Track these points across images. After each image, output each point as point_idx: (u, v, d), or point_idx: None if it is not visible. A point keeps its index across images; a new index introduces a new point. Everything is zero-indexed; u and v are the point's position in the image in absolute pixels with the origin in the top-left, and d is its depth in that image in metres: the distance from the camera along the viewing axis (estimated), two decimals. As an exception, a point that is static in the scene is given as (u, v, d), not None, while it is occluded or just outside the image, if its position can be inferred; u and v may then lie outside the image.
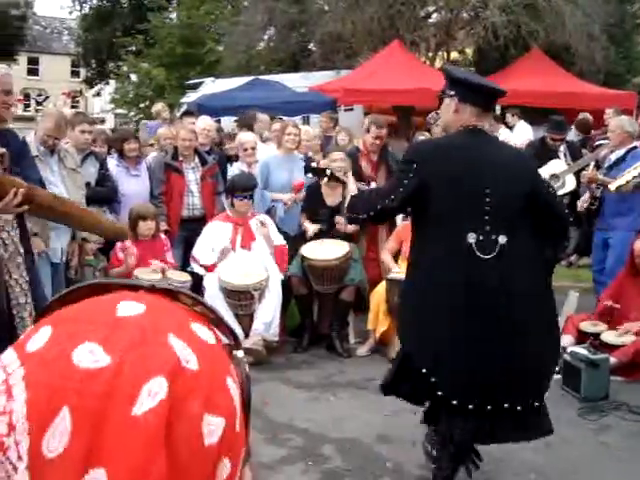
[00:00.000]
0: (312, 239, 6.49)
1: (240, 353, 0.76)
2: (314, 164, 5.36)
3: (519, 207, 3.36)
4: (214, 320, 0.76)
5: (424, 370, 3.32)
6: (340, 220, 6.43)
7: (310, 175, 5.35)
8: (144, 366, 0.64)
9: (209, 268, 6.23)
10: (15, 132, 4.69)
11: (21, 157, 4.33)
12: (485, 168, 3.35)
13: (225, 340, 0.75)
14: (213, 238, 6.28)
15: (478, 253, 3.26)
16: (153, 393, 0.63)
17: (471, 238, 3.27)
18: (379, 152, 7.02)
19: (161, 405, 0.63)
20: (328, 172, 4.62)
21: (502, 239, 3.29)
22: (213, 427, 0.66)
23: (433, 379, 3.30)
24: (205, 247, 6.29)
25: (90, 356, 0.64)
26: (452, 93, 3.52)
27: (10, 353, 0.67)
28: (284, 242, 6.51)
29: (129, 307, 0.69)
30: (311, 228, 6.54)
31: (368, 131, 7.11)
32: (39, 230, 5.09)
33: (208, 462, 0.66)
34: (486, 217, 3.30)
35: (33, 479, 0.61)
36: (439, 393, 3.31)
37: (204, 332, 0.72)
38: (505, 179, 3.36)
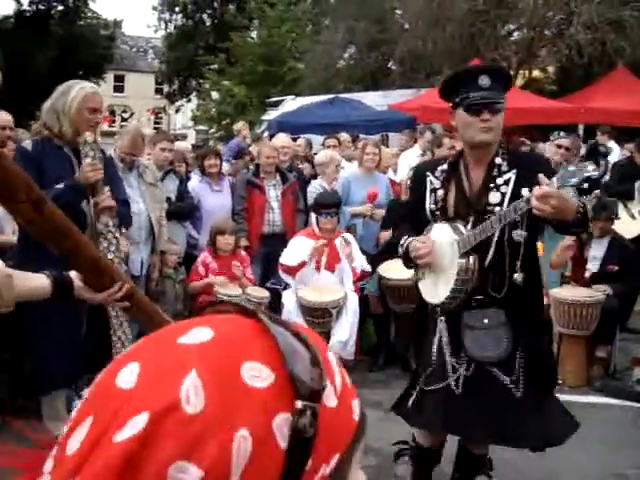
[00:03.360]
0: (390, 257, 6.46)
1: (300, 404, 0.63)
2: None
3: None
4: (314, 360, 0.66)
5: None
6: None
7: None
8: (144, 393, 0.63)
9: (297, 268, 6.24)
10: (102, 150, 4.84)
11: (108, 177, 4.47)
12: None
13: (302, 380, 0.64)
14: (299, 251, 6.28)
15: None
16: (135, 424, 0.61)
17: None
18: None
19: (132, 439, 0.61)
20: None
21: None
22: (183, 476, 0.60)
23: None
24: (293, 254, 6.30)
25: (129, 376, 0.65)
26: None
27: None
28: (367, 266, 6.42)
29: (194, 334, 0.67)
30: (385, 235, 6.48)
31: (439, 146, 7.08)
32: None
33: None
34: None
35: None
36: None
37: (255, 371, 0.64)
38: None
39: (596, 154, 3.07)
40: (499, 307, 3.23)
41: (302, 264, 6.22)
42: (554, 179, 2.79)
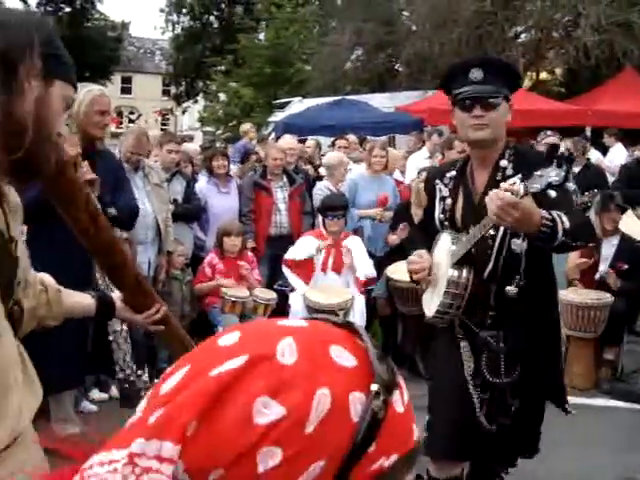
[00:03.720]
0: (398, 259, 6.45)
1: (375, 387, 0.71)
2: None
3: None
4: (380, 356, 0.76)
5: None
6: None
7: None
8: (244, 346, 0.72)
9: (302, 264, 6.24)
10: (112, 153, 4.86)
11: (118, 181, 4.49)
12: None
13: (381, 372, 0.73)
14: (306, 250, 6.28)
15: None
16: (233, 363, 0.70)
17: None
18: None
19: (229, 372, 0.69)
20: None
21: None
22: (267, 411, 0.68)
23: None
24: (299, 251, 6.31)
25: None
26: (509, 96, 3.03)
27: None
28: (372, 272, 6.41)
29: (293, 321, 0.79)
30: (393, 238, 6.47)
31: (450, 148, 7.08)
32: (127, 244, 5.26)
33: (246, 436, 0.68)
34: None
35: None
36: None
37: (342, 353, 0.73)
38: None
39: (558, 158, 2.66)
40: (504, 324, 2.96)
41: (308, 260, 6.21)
42: (520, 185, 2.52)
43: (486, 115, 2.88)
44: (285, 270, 6.36)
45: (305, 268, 6.26)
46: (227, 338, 0.74)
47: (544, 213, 2.65)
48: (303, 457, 0.68)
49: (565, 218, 2.67)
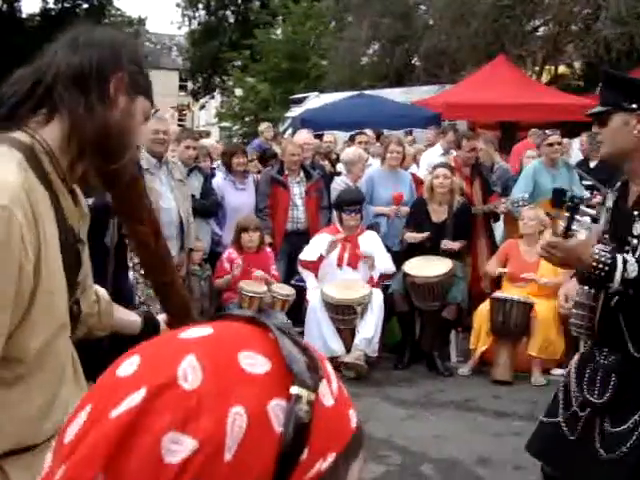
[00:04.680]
0: (415, 255, 6.43)
1: (296, 390, 0.64)
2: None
3: None
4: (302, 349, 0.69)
5: None
6: (448, 244, 6.35)
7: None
8: (142, 376, 0.65)
9: (316, 264, 6.25)
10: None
11: None
12: None
13: (298, 370, 0.66)
14: (321, 248, 6.30)
15: None
16: (132, 400, 0.63)
17: None
18: (471, 166, 6.95)
19: (129, 412, 0.63)
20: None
21: None
22: (177, 447, 0.61)
23: None
24: (313, 251, 6.32)
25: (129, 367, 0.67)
26: (635, 107, 2.69)
27: None
28: (391, 268, 6.42)
29: (195, 331, 0.70)
30: (417, 237, 6.45)
31: (459, 147, 7.06)
32: None
33: (158, 477, 0.61)
34: None
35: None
36: None
37: (253, 359, 0.66)
38: None
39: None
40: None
41: (320, 258, 6.23)
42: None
43: (601, 131, 2.81)
44: (301, 271, 6.37)
45: (315, 263, 6.31)
46: (126, 367, 0.67)
47: (600, 256, 2.50)
48: None
49: (634, 266, 2.49)
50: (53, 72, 1.52)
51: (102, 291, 1.96)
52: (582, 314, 2.74)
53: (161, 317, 2.14)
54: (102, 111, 1.53)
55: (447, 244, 6.35)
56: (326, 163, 8.31)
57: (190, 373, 0.64)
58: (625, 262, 2.49)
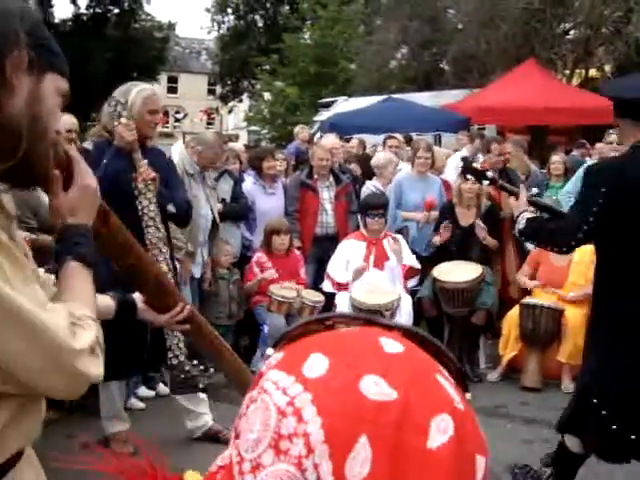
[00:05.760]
0: (443, 260, 6.40)
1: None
2: (475, 164, 4.54)
3: None
4: (452, 368, 0.78)
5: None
6: (482, 232, 6.33)
7: (469, 176, 4.37)
8: (427, 402, 0.68)
9: (342, 286, 6.28)
10: (161, 150, 4.90)
11: (169, 177, 4.53)
12: None
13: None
14: (347, 256, 6.31)
15: None
16: (442, 429, 0.67)
17: None
18: (499, 170, 6.92)
19: (451, 441, 0.67)
20: (490, 175, 4.11)
21: None
22: (480, 465, 0.69)
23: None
24: (340, 264, 6.33)
25: (377, 388, 0.68)
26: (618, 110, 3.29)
27: (284, 376, 0.71)
28: (416, 264, 6.44)
29: (392, 345, 0.73)
30: (438, 239, 6.44)
31: (488, 151, 7.02)
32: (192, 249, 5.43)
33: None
34: None
35: None
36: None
37: (448, 382, 0.75)
38: None
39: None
40: None
41: (345, 284, 6.23)
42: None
43: None
44: (326, 282, 6.36)
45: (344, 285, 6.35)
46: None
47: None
48: None
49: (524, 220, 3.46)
50: None
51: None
52: None
53: (136, 296, 2.06)
54: (2, 102, 1.27)
55: (481, 232, 6.31)
56: (354, 166, 8.29)
57: (455, 396, 0.73)
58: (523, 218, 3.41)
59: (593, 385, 3.33)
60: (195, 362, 3.88)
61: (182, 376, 4.00)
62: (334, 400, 0.68)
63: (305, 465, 0.66)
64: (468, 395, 0.76)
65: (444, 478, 0.65)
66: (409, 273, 6.42)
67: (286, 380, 0.71)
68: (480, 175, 4.11)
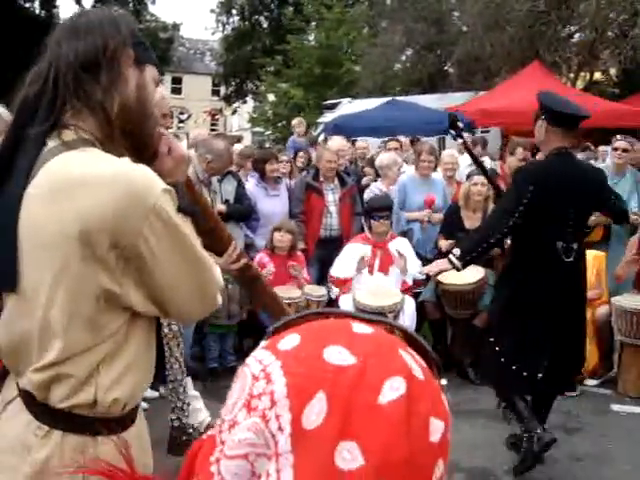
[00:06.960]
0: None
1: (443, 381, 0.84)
2: (460, 124, 5.36)
3: (587, 218, 4.43)
4: (419, 348, 0.86)
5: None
6: None
7: (452, 132, 5.33)
8: (384, 367, 0.77)
9: (344, 282, 6.26)
10: None
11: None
12: (571, 192, 4.10)
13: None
14: (352, 258, 6.31)
15: (563, 257, 4.11)
16: (394, 388, 0.75)
17: (559, 245, 4.10)
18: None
19: (401, 399, 0.75)
20: (465, 135, 4.89)
21: (575, 246, 4.14)
22: (435, 428, 0.77)
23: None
24: (343, 266, 6.33)
25: (339, 355, 0.77)
26: (543, 117, 4.11)
27: (262, 352, 0.82)
28: (418, 276, 6.37)
29: (361, 327, 0.82)
30: (445, 244, 6.43)
31: (512, 153, 6.99)
32: None
33: (430, 457, 0.77)
34: (569, 229, 4.13)
35: (293, 445, 0.74)
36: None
37: (413, 359, 0.81)
38: (583, 197, 4.17)
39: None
40: None
41: (349, 279, 6.22)
42: None
43: None
44: (330, 285, 6.36)
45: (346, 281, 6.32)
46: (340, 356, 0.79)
47: None
48: (447, 454, 0.82)
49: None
50: (64, 64, 1.56)
51: None
52: None
53: None
54: (119, 90, 1.59)
55: None
56: (368, 169, 8.26)
57: (415, 367, 0.80)
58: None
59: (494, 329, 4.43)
60: (196, 425, 3.94)
61: (184, 438, 4.00)
62: (299, 365, 0.78)
63: (269, 416, 0.76)
64: (444, 381, 0.85)
65: (390, 431, 0.73)
66: (414, 285, 6.40)
67: (263, 354, 0.81)
68: (458, 132, 5.41)
